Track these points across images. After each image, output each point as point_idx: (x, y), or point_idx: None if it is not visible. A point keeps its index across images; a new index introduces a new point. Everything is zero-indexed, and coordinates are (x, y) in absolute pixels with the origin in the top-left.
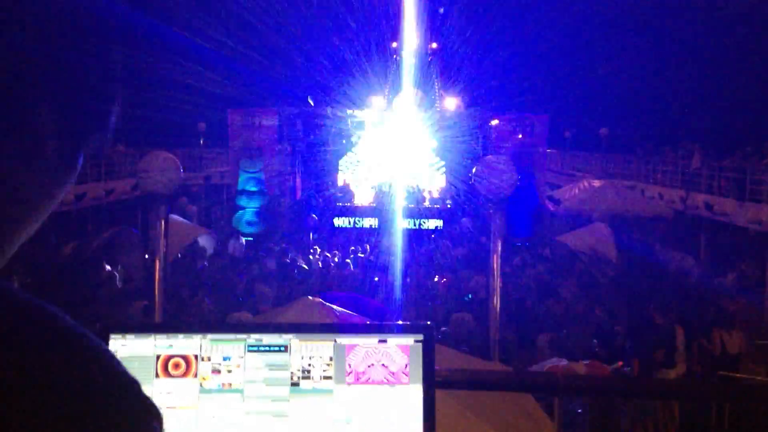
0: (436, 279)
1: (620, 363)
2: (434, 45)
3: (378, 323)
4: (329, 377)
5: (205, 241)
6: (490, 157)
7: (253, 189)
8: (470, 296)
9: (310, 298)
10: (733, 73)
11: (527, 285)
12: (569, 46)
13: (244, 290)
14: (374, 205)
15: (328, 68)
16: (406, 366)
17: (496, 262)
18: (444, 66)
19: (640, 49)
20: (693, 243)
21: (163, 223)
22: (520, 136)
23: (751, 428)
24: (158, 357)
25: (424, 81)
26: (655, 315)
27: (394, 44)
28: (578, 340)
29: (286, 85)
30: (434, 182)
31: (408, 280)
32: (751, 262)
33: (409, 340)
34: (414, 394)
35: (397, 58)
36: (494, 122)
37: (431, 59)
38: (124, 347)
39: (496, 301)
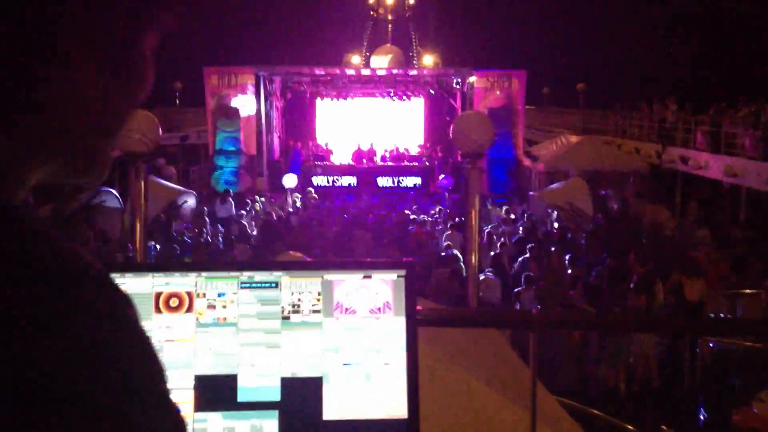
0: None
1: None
2: (411, 1)
3: (362, 260)
4: (318, 311)
5: (187, 202)
6: (467, 113)
7: (231, 148)
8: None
9: (291, 252)
10: (708, 27)
11: (505, 240)
12: (547, 2)
13: (224, 249)
14: (353, 163)
15: (304, 26)
16: (390, 299)
17: (473, 218)
18: (422, 23)
19: (617, 5)
20: (669, 196)
21: (142, 183)
22: (498, 92)
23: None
24: (156, 294)
25: (401, 38)
26: (634, 264)
27: (372, 1)
28: (556, 292)
29: (262, 42)
30: (413, 140)
31: (386, 238)
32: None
33: (392, 275)
34: (397, 325)
35: (375, 15)
36: (472, 79)
37: (409, 16)
38: (123, 285)
39: (475, 257)
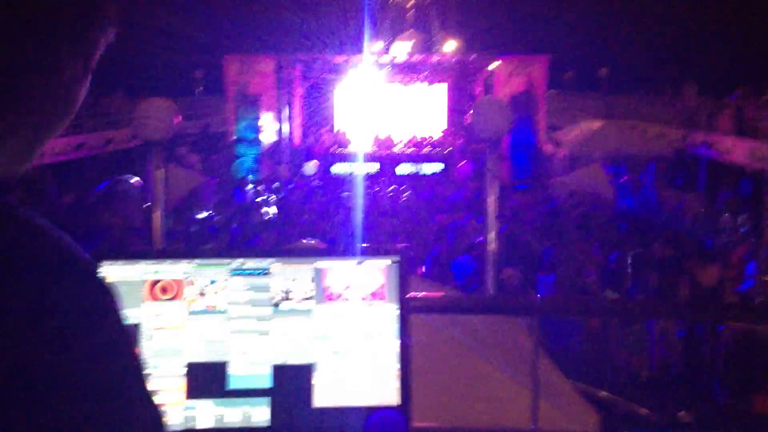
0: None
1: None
2: None
3: (354, 247)
4: (309, 298)
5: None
6: (485, 98)
7: (252, 136)
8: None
9: (305, 240)
10: (733, 11)
11: (526, 226)
12: None
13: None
14: (374, 149)
15: (324, 12)
16: (383, 286)
17: (492, 204)
18: (443, 8)
19: None
20: (693, 181)
21: (161, 171)
22: (521, 77)
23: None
24: (147, 282)
25: (423, 23)
26: (657, 249)
27: None
28: (577, 279)
29: (282, 30)
30: (435, 126)
31: (408, 225)
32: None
33: (385, 261)
34: (390, 312)
35: (396, 1)
36: (494, 64)
37: (430, 2)
38: (115, 273)
39: (493, 242)
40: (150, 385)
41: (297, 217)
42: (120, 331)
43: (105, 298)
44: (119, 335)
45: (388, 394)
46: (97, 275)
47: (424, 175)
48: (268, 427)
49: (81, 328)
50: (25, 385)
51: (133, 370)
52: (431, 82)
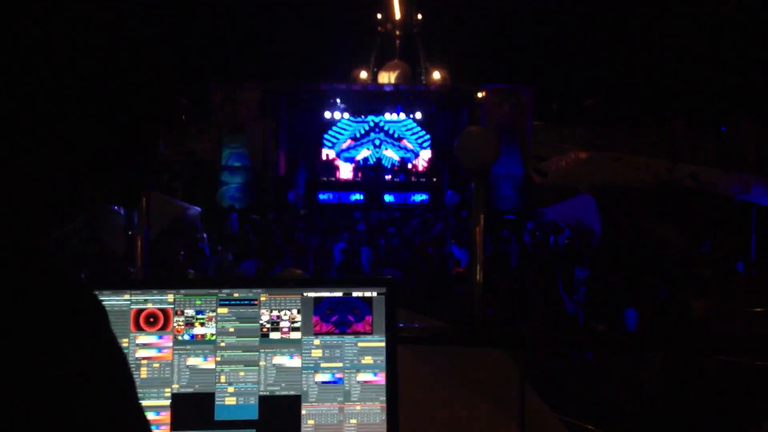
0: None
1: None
2: (420, 17)
3: (343, 277)
4: (297, 328)
5: (189, 218)
6: (471, 128)
7: (236, 164)
8: None
9: (292, 269)
10: (717, 44)
11: (513, 257)
12: (556, 18)
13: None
14: (359, 179)
15: (311, 41)
16: (370, 317)
17: (478, 235)
18: (430, 38)
19: (626, 22)
20: (678, 212)
21: (144, 199)
22: (506, 108)
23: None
24: (134, 311)
25: (409, 54)
26: (655, 283)
27: (379, 16)
28: (562, 309)
29: (269, 58)
30: (421, 156)
31: (393, 256)
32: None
33: (372, 292)
34: (377, 343)
35: (383, 30)
36: (480, 94)
37: (417, 32)
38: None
39: (479, 274)
40: (139, 398)
41: (283, 246)
42: (112, 344)
43: (98, 312)
44: (112, 348)
45: (376, 427)
46: (95, 299)
47: (412, 204)
48: None
49: (75, 340)
50: (24, 400)
51: (125, 386)
52: (417, 112)
